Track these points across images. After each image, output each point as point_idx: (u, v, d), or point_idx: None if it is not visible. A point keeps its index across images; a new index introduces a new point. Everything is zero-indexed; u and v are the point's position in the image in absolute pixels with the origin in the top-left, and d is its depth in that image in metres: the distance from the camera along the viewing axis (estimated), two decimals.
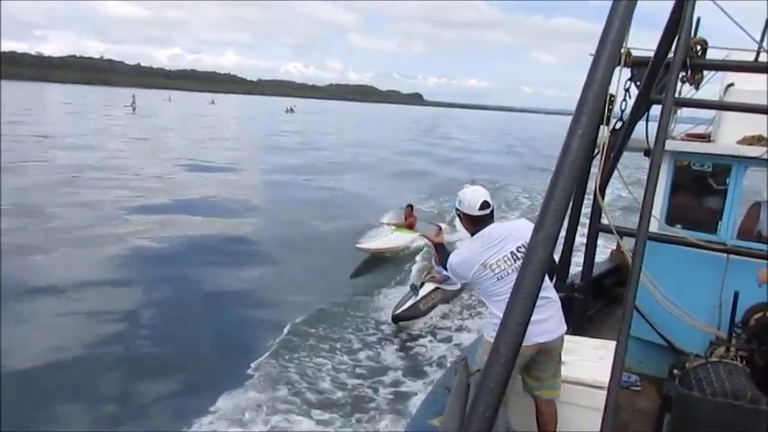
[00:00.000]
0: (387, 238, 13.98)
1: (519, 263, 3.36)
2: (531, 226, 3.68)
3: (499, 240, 3.41)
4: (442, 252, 3.75)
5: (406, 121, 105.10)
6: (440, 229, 3.25)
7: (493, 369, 1.18)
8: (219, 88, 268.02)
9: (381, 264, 13.18)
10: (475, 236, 3.50)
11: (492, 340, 3.70)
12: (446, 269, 3.63)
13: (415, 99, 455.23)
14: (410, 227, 14.57)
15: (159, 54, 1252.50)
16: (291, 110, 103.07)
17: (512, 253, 3.38)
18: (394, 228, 14.54)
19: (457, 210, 3.58)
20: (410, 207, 15.12)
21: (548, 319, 3.32)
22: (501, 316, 3.64)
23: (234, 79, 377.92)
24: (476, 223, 3.49)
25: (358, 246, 13.23)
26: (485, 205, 3.48)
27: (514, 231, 3.47)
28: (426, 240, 3.97)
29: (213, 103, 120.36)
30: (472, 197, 3.50)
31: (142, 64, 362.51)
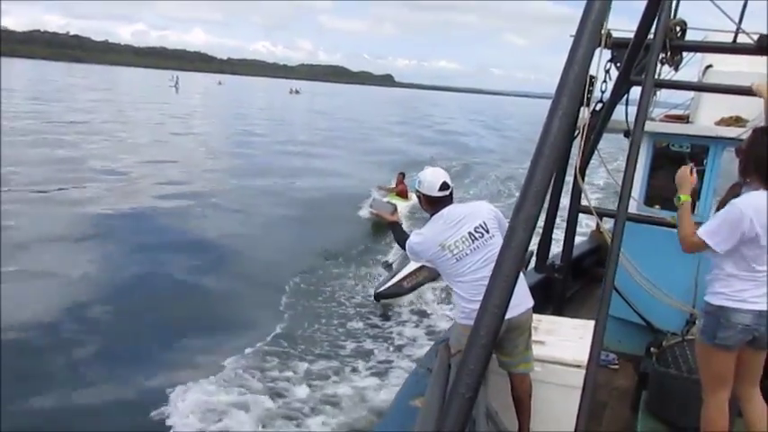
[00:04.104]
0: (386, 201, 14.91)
1: (476, 243, 3.37)
2: (490, 207, 3.71)
3: (458, 221, 3.42)
4: (397, 232, 3.73)
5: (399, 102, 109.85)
6: (395, 208, 3.24)
7: (473, 351, 1.18)
8: (189, 66, 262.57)
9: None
10: (434, 217, 3.52)
11: (463, 323, 3.73)
12: (403, 248, 3.63)
13: (387, 80, 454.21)
14: (400, 194, 15.52)
15: (123, 30, 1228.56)
16: (297, 91, 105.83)
17: (469, 233, 3.39)
18: (387, 195, 15.54)
19: (417, 191, 3.59)
20: (402, 174, 16.08)
21: (513, 295, 3.33)
22: (464, 296, 3.64)
23: (204, 57, 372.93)
24: (435, 204, 3.51)
25: (371, 210, 13.99)
26: (444, 186, 3.49)
27: (472, 212, 3.48)
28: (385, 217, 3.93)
29: (221, 84, 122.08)
30: (432, 178, 3.51)
31: (109, 40, 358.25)
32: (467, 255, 3.36)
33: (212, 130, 36.89)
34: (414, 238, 3.53)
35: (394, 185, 16.02)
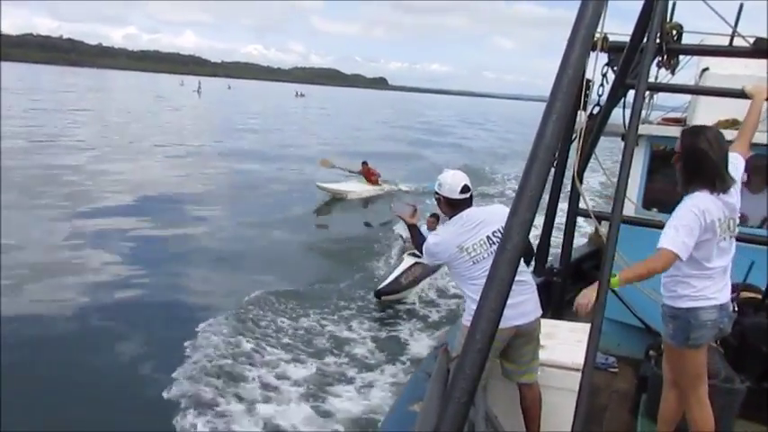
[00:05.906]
0: (344, 183, 16.83)
1: (494, 247, 3.35)
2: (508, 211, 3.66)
3: (476, 224, 3.43)
4: (416, 234, 3.74)
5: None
6: (415, 209, 3.23)
7: (469, 355, 1.17)
8: (184, 70, 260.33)
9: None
10: (453, 219, 3.52)
11: (469, 325, 3.72)
12: (421, 250, 3.63)
13: (380, 83, 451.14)
14: (367, 177, 17.27)
15: (114, 33, 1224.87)
16: (302, 95, 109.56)
17: (488, 237, 3.39)
18: (354, 176, 17.44)
19: (436, 193, 3.58)
20: (365, 163, 17.68)
21: (524, 302, 3.35)
22: (475, 299, 3.64)
23: (197, 61, 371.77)
24: (455, 207, 3.51)
25: (318, 184, 16.28)
26: (465, 189, 3.49)
27: (491, 216, 3.48)
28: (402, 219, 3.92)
29: (230, 88, 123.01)
30: (453, 181, 3.51)
31: (103, 44, 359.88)
32: (484, 258, 3.36)
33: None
34: (432, 239, 3.53)
35: (360, 169, 17.55)
